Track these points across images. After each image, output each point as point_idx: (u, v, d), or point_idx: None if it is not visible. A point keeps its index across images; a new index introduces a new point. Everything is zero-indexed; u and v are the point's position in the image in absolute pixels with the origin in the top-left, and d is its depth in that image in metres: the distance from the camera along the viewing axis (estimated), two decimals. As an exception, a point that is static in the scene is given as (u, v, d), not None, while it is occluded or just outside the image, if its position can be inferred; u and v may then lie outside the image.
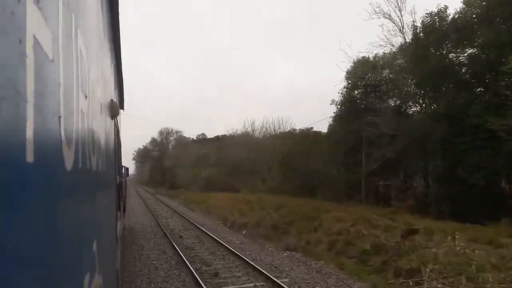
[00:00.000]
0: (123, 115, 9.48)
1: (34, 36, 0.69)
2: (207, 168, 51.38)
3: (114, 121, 4.11)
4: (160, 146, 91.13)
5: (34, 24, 0.69)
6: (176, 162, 63.89)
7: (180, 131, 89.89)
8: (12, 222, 0.57)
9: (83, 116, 1.34)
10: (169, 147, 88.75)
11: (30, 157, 0.65)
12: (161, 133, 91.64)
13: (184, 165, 58.95)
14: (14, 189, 0.58)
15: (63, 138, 0.95)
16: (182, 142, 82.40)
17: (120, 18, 3.95)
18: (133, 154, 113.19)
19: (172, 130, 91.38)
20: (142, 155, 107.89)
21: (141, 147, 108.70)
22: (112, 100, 3.47)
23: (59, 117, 0.91)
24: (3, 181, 0.54)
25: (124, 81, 7.59)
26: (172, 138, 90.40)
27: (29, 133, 0.64)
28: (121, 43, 4.81)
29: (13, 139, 0.59)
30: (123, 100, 8.56)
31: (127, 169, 16.96)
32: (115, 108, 3.50)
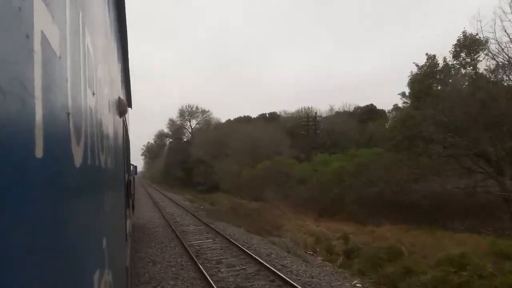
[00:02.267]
0: (131, 111, 9.48)
1: (41, 32, 0.68)
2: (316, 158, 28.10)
3: (123, 119, 4.13)
4: (179, 132, 66.27)
5: (42, 20, 0.68)
6: (215, 151, 40.74)
7: (208, 111, 64.71)
8: (21, 219, 0.57)
9: (91, 113, 1.34)
10: (191, 130, 63.99)
11: (39, 153, 0.64)
12: (181, 113, 65.06)
13: (235, 155, 36.31)
14: (24, 185, 0.58)
15: (72, 134, 0.95)
16: (210, 124, 61.31)
17: (126, 14, 3.95)
18: (142, 149, 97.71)
19: (197, 109, 64.92)
20: (152, 150, 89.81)
21: (151, 141, 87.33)
22: (119, 98, 3.48)
23: (68, 113, 0.91)
24: (13, 176, 0.53)
25: (131, 78, 7.59)
26: (195, 121, 65.48)
27: (38, 129, 0.64)
28: (128, 41, 4.82)
29: (22, 135, 0.58)
30: (130, 98, 8.59)
31: (135, 167, 17.04)
32: (123, 105, 3.51)
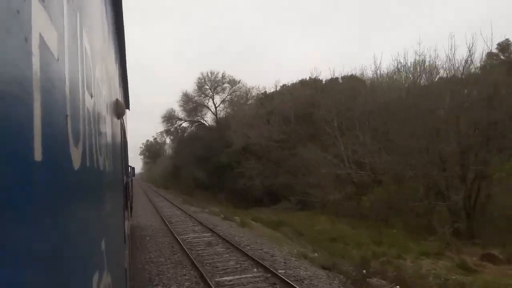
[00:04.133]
0: (129, 111, 9.44)
1: (40, 34, 0.68)
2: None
3: (120, 121, 4.13)
4: (196, 112, 43.82)
5: (40, 23, 0.68)
6: (291, 131, 24.92)
7: (239, 81, 42.74)
8: (20, 221, 0.57)
9: (89, 115, 1.34)
10: (215, 109, 43.01)
11: (38, 156, 0.65)
12: (200, 85, 42.18)
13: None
14: (23, 187, 0.58)
15: (70, 137, 0.95)
16: (246, 98, 40.91)
17: (124, 14, 3.95)
18: (140, 147, 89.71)
19: (223, 77, 42.19)
20: (152, 149, 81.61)
21: (151, 138, 75.34)
22: (117, 100, 3.48)
23: (66, 115, 0.91)
24: (12, 179, 0.53)
25: (128, 79, 7.58)
26: (219, 98, 43.56)
27: (37, 131, 0.64)
28: (125, 42, 4.82)
29: (21, 137, 0.58)
30: (128, 99, 8.59)
31: (133, 168, 17.01)
32: (121, 107, 3.51)
